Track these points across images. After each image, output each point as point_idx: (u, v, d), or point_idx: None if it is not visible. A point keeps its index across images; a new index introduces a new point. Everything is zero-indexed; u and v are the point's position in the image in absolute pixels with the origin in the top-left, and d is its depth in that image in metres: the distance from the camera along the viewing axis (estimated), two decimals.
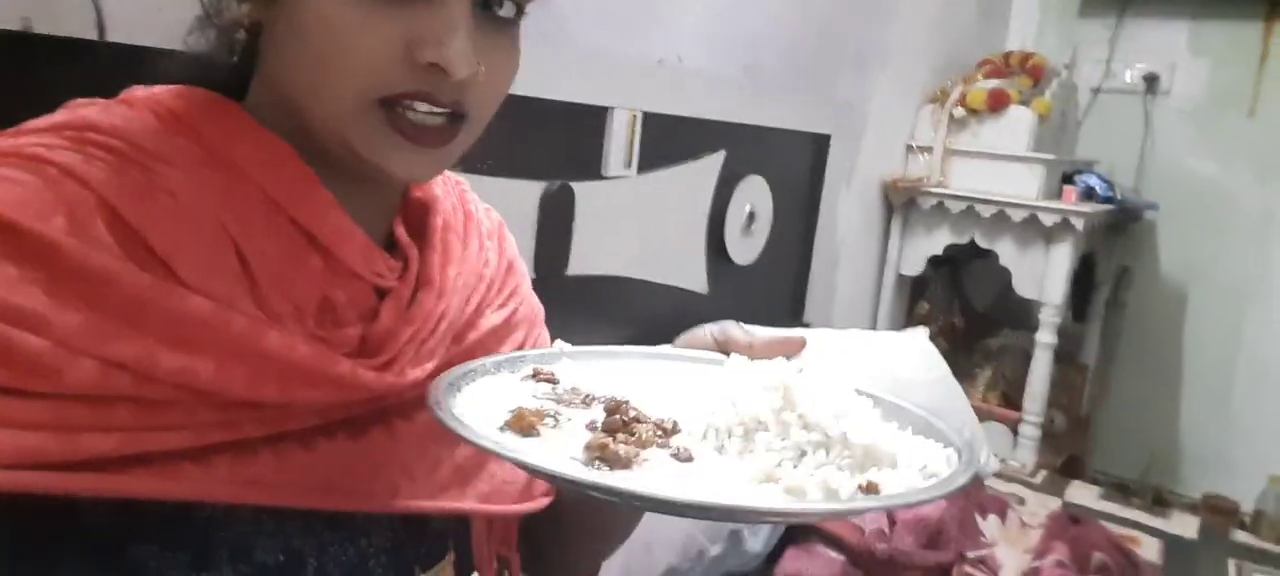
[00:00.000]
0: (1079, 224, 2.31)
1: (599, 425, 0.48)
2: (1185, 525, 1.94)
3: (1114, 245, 2.84)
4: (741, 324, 0.58)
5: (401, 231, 0.58)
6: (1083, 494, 2.06)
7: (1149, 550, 1.73)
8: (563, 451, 0.44)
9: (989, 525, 1.54)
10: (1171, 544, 1.79)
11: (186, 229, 0.45)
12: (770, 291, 2.09)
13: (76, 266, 0.41)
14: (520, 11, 0.51)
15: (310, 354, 0.47)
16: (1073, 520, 1.69)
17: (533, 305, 0.69)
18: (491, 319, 0.62)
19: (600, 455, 0.43)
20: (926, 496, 0.43)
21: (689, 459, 0.46)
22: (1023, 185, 2.42)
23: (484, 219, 0.66)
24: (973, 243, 2.50)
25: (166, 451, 0.43)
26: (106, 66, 0.82)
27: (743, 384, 0.50)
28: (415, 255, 0.57)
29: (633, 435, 0.46)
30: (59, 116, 0.47)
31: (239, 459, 0.46)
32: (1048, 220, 2.34)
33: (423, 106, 0.48)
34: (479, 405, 0.49)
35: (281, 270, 0.48)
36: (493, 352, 0.61)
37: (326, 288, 0.51)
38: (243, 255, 0.47)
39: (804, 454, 0.45)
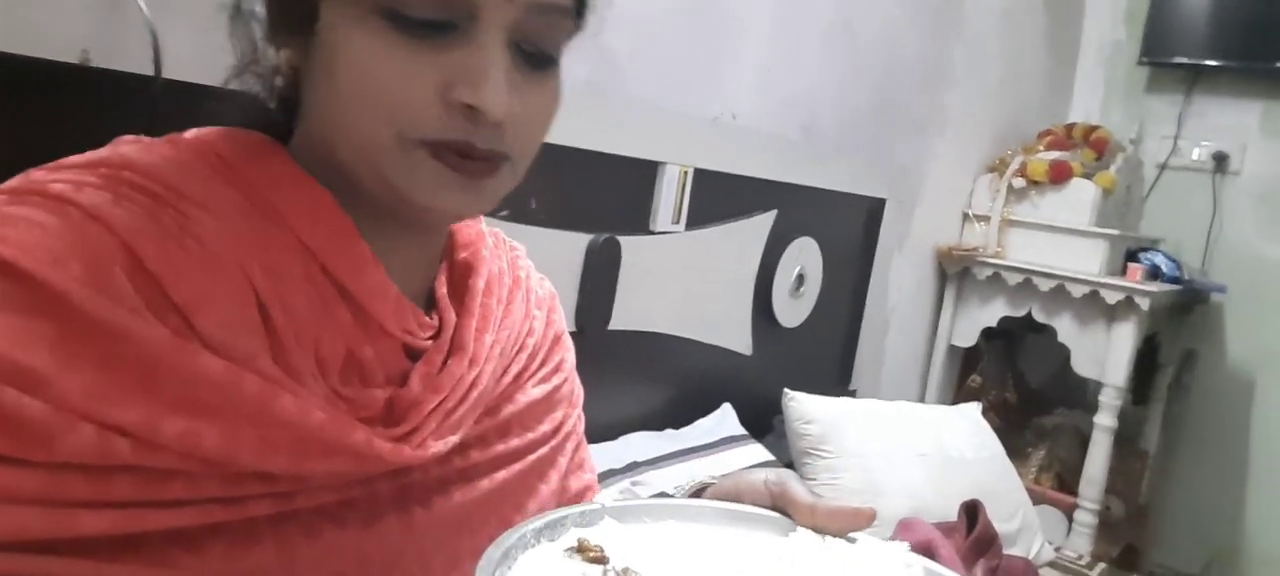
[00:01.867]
0: (1144, 303, 2.21)
1: None
2: None
3: (1179, 327, 2.72)
4: (801, 482, 0.52)
5: (442, 291, 0.55)
6: None
7: None
8: None
9: None
10: None
11: (210, 280, 0.43)
12: (817, 356, 2.03)
13: (88, 320, 0.38)
14: (557, 52, 0.49)
15: (325, 420, 0.44)
16: None
17: (576, 386, 0.66)
18: (532, 392, 0.59)
19: None
20: None
21: None
22: (1084, 260, 2.34)
23: (536, 287, 0.64)
24: (1029, 316, 2.42)
25: (162, 532, 0.40)
26: (163, 103, 0.82)
27: None
28: (452, 319, 0.54)
29: None
30: (100, 153, 0.46)
31: (237, 546, 0.42)
32: (1111, 297, 2.25)
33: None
34: None
35: (307, 323, 0.46)
36: (530, 429, 0.58)
37: (354, 343, 0.48)
38: (265, 308, 0.45)
39: None
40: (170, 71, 0.83)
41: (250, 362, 0.42)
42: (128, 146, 0.46)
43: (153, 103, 0.82)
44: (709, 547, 0.49)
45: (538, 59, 0.47)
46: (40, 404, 0.37)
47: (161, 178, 0.44)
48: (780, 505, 0.51)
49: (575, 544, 0.47)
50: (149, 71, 0.82)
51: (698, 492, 0.57)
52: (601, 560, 0.46)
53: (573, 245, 1.34)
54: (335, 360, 0.47)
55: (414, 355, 0.52)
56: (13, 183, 0.43)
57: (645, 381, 1.57)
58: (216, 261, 0.43)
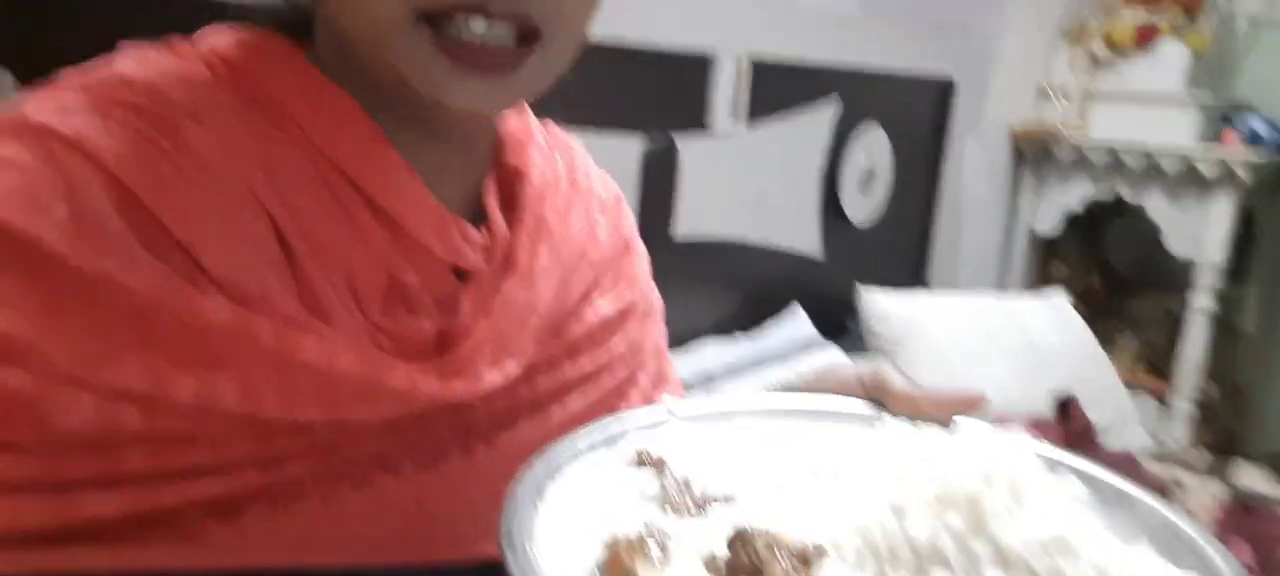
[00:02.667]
0: (1243, 173, 2.05)
1: (718, 562, 0.36)
2: None
3: (1278, 199, 2.53)
4: (902, 371, 0.46)
5: (492, 202, 0.49)
6: (1251, 477, 1.84)
7: None
8: None
9: None
10: None
11: (216, 208, 0.37)
12: (890, 253, 1.94)
13: (74, 272, 0.33)
14: None
15: (355, 361, 0.38)
16: (1246, 509, 1.49)
17: (652, 297, 0.60)
18: (602, 308, 0.53)
19: None
20: None
21: None
22: (1175, 132, 2.17)
23: (599, 190, 0.57)
24: (1117, 198, 2.27)
25: (188, 506, 0.36)
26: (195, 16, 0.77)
27: (911, 481, 0.38)
28: (504, 232, 0.48)
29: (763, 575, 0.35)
30: (97, 69, 0.40)
31: (278, 510, 0.38)
32: (1207, 170, 2.09)
33: (477, 24, 0.38)
34: (568, 522, 0.38)
35: (336, 249, 0.41)
36: (603, 349, 0.53)
37: (394, 267, 0.43)
38: (283, 235, 0.39)
39: None
40: None
41: (267, 300, 0.37)
42: (126, 59, 0.41)
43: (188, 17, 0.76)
44: (782, 447, 0.44)
45: None
46: (26, 375, 0.32)
47: (162, 94, 0.39)
48: (876, 397, 0.46)
49: (634, 456, 0.43)
50: None
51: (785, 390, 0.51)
52: (659, 465, 0.42)
53: (628, 149, 1.26)
54: (374, 289, 0.42)
55: (463, 276, 0.46)
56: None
57: (713, 288, 1.51)
58: (223, 185, 0.38)
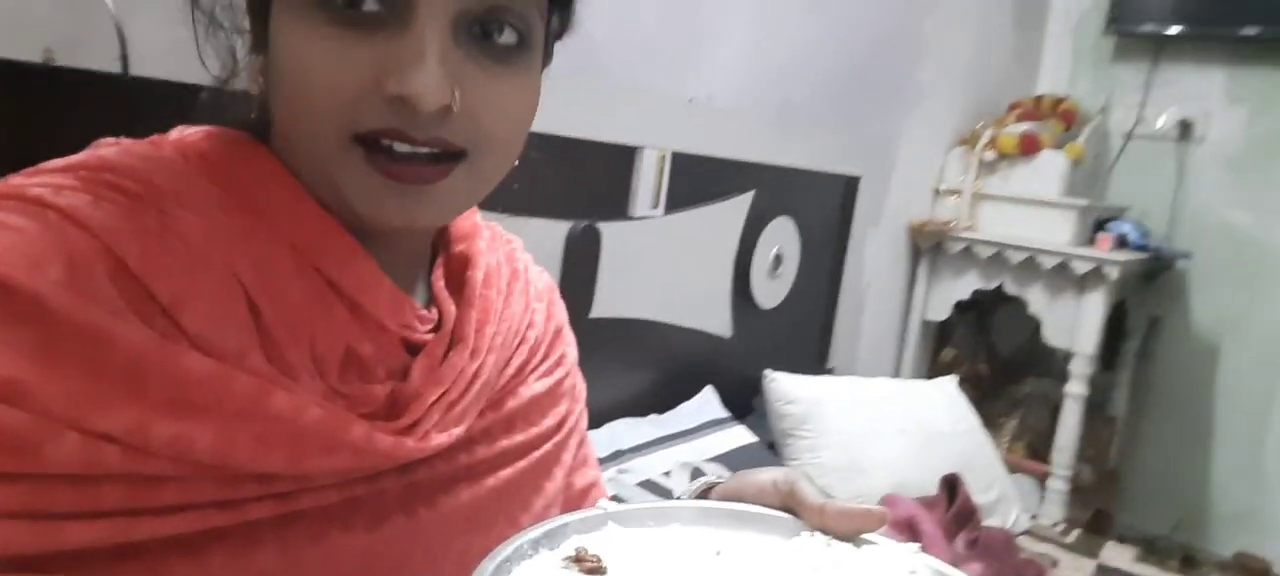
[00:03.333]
0: (1112, 272, 2.25)
1: None
2: None
3: (1145, 294, 2.77)
4: (811, 479, 0.51)
5: (439, 285, 0.55)
6: (1117, 555, 1.99)
7: None
8: None
9: None
10: None
11: (196, 277, 0.42)
12: (795, 335, 2.04)
13: (69, 325, 0.37)
14: (523, 41, 0.46)
15: (322, 416, 0.42)
16: None
17: (578, 381, 0.65)
18: (535, 386, 0.58)
19: None
20: None
21: None
22: (1054, 231, 2.37)
23: (535, 280, 0.63)
24: (1000, 288, 2.45)
25: (157, 541, 0.39)
26: (130, 101, 0.80)
27: None
28: (451, 311, 0.53)
29: None
30: (77, 157, 0.44)
31: (238, 552, 0.41)
32: (1080, 268, 2.29)
33: (401, 146, 0.43)
34: None
35: (302, 320, 0.45)
36: (534, 423, 0.58)
37: (353, 339, 0.47)
38: (255, 305, 0.43)
39: None
40: (137, 68, 0.80)
41: (241, 360, 0.41)
42: (106, 148, 0.45)
43: (120, 101, 0.79)
44: (711, 553, 0.48)
45: (498, 50, 0.45)
46: (23, 414, 0.36)
47: (143, 177, 0.43)
48: (789, 505, 0.50)
49: (573, 553, 0.47)
50: (115, 69, 0.79)
51: (704, 493, 0.56)
52: (599, 570, 0.45)
53: (552, 233, 1.33)
54: (333, 357, 0.46)
55: (413, 350, 0.51)
56: None
57: (628, 367, 1.56)
58: (202, 258, 0.42)
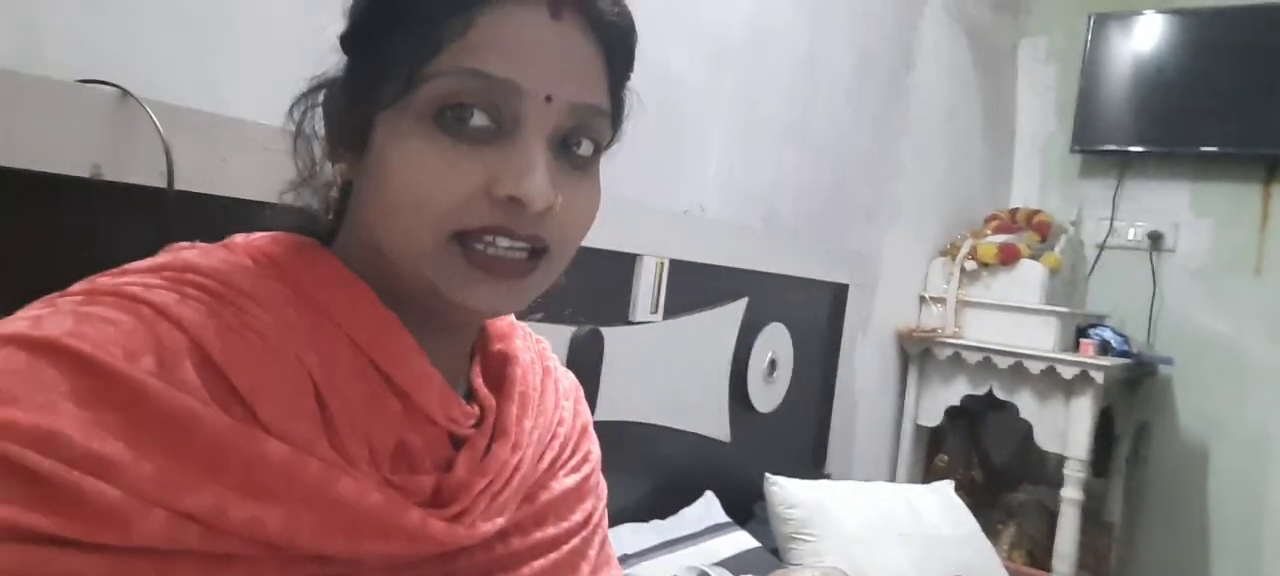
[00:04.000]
0: (1098, 376, 2.30)
1: None
2: None
3: (1131, 400, 2.82)
4: (845, 574, 0.55)
5: (479, 381, 0.58)
6: None
7: None
8: None
9: None
10: None
11: (271, 370, 0.45)
12: (791, 439, 2.06)
13: (160, 410, 0.41)
14: (598, 151, 0.53)
15: (382, 502, 0.46)
16: None
17: (601, 479, 0.68)
18: (565, 481, 0.61)
19: None
20: None
21: None
22: (1038, 338, 2.43)
23: (562, 377, 0.66)
24: (990, 394, 2.49)
25: None
26: (173, 214, 0.85)
27: None
28: (492, 406, 0.57)
29: None
30: (161, 258, 0.49)
31: None
32: (1066, 372, 2.34)
33: (503, 242, 0.48)
34: None
35: (360, 413, 0.48)
36: (564, 518, 0.60)
37: (403, 432, 0.50)
38: (322, 397, 0.47)
39: None
40: (181, 183, 0.86)
41: (310, 447, 0.45)
42: (187, 251, 0.50)
43: (164, 213, 0.84)
44: None
45: (577, 159, 0.51)
46: (117, 491, 0.38)
47: (221, 277, 0.47)
48: None
49: None
50: (158, 183, 0.85)
51: None
52: None
53: (558, 337, 1.37)
54: (386, 449, 0.49)
55: (457, 443, 0.54)
56: (81, 285, 0.46)
57: (630, 472, 1.58)
58: (275, 353, 0.46)
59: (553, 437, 0.61)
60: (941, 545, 1.80)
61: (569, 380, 0.68)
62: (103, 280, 0.46)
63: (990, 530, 2.60)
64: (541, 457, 0.59)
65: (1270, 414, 2.72)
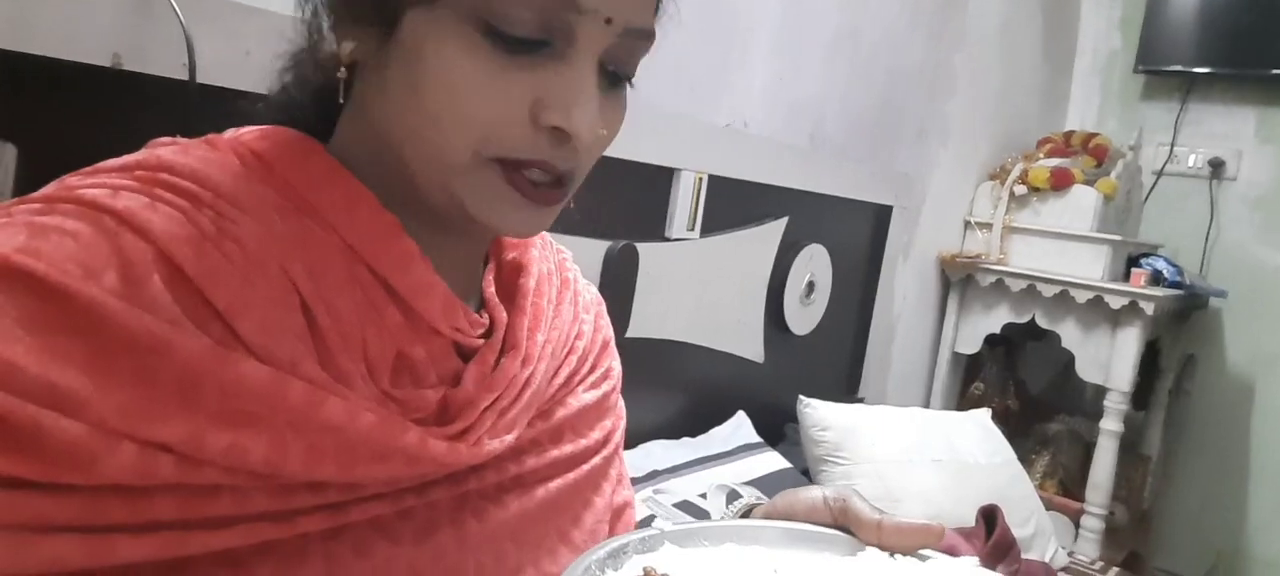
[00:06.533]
0: (1148, 308, 2.23)
1: None
2: None
3: (1179, 332, 2.74)
4: (862, 496, 0.50)
5: (490, 291, 0.54)
6: None
7: None
8: None
9: None
10: None
11: (252, 283, 0.41)
12: (826, 363, 2.03)
13: (125, 333, 0.36)
14: (633, 74, 0.48)
15: (375, 422, 0.42)
16: None
17: (621, 398, 0.65)
18: (583, 397, 0.58)
19: None
20: None
21: None
22: (1087, 266, 2.35)
23: (583, 291, 0.63)
24: (1032, 322, 2.43)
25: (207, 555, 0.39)
26: (195, 107, 0.82)
27: None
28: (503, 318, 0.53)
29: None
30: (136, 156, 0.44)
31: (286, 567, 0.41)
32: (1115, 302, 2.26)
33: (537, 174, 0.45)
34: None
35: (354, 324, 0.45)
36: (582, 435, 0.57)
37: (404, 343, 0.47)
38: (310, 311, 0.43)
39: None
40: (203, 76, 0.82)
41: (295, 368, 0.41)
42: (164, 148, 0.45)
43: (185, 106, 0.81)
44: (774, 570, 0.48)
45: (617, 79, 0.47)
46: (79, 426, 0.35)
47: (199, 178, 0.43)
48: (843, 523, 0.50)
49: (641, 573, 0.46)
50: (179, 75, 0.81)
51: (745, 514, 0.55)
52: None
53: (591, 252, 1.33)
54: (385, 362, 0.46)
55: (465, 355, 0.51)
56: (47, 189, 0.41)
57: (662, 388, 1.56)
58: (257, 264, 0.42)
59: (570, 352, 0.58)
60: (976, 472, 1.78)
61: (591, 293, 0.64)
62: (71, 180, 0.42)
63: (1023, 459, 2.58)
64: (557, 372, 0.56)
65: None
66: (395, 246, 0.47)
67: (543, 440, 0.54)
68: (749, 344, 1.76)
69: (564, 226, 1.40)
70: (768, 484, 1.47)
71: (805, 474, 1.66)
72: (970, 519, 1.64)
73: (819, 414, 1.67)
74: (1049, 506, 2.33)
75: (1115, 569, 2.03)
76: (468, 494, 0.49)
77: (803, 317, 1.87)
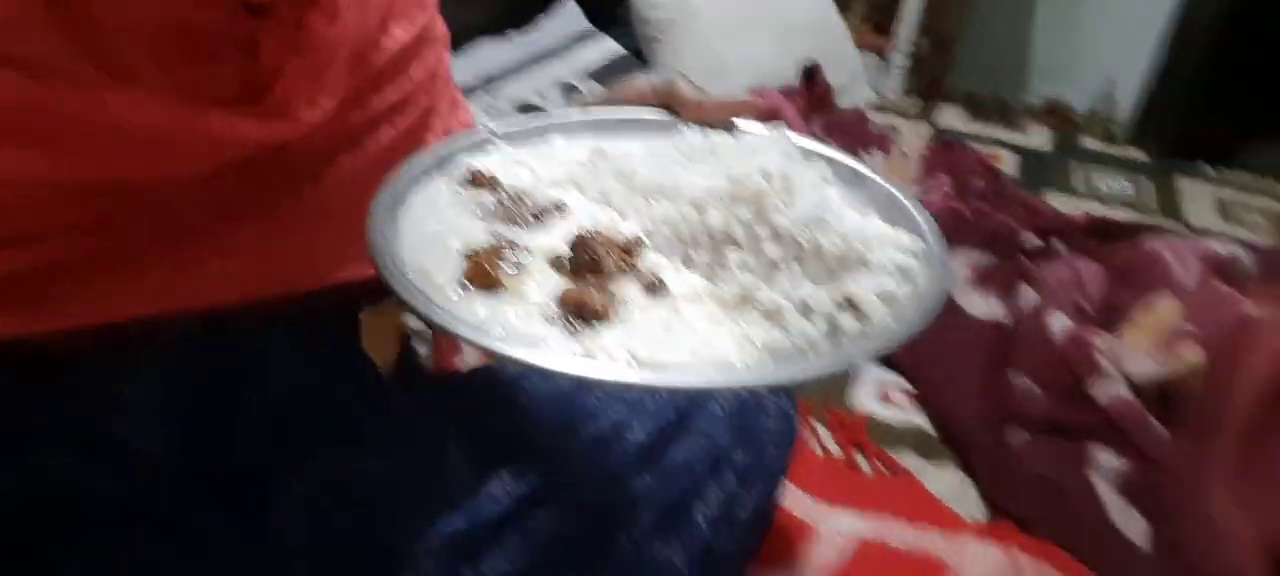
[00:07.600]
0: None
1: (563, 261, 0.43)
2: (1041, 138, 2.11)
3: None
4: (687, 79, 0.52)
5: None
6: (951, 117, 2.18)
7: (1009, 165, 1.88)
8: (537, 312, 0.39)
9: (874, 160, 1.62)
10: (1027, 157, 1.96)
11: None
12: None
13: None
14: None
15: (164, 113, 0.39)
16: (947, 146, 1.79)
17: (440, 24, 0.60)
18: (398, 35, 0.54)
19: (577, 311, 0.39)
20: (899, 337, 0.40)
21: (660, 286, 0.42)
22: None
23: None
24: None
25: (29, 271, 0.37)
26: None
27: (704, 177, 0.46)
28: None
29: (601, 271, 0.42)
30: None
31: (123, 274, 0.40)
32: None
33: None
34: (427, 244, 0.42)
35: (118, 3, 0.39)
36: (404, 75, 0.55)
37: (180, 10, 0.41)
38: None
39: (775, 266, 0.43)
40: None
41: (56, 69, 0.36)
42: None
43: None
44: (598, 155, 0.51)
45: None
46: None
47: None
48: (667, 104, 0.53)
49: (469, 175, 0.48)
50: None
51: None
52: (493, 186, 0.48)
53: None
54: (169, 41, 0.41)
55: (259, 13, 0.45)
56: None
57: None
58: None
59: None
60: (798, 31, 1.84)
61: None
62: None
63: (844, 5, 2.66)
64: (365, 12, 0.51)
65: None
66: None
67: (363, 90, 0.52)
68: None
69: None
70: (608, 74, 1.48)
71: (638, 55, 1.66)
72: (795, 77, 1.73)
73: None
74: (862, 47, 2.48)
75: (917, 100, 2.24)
76: (296, 161, 0.47)
77: None
